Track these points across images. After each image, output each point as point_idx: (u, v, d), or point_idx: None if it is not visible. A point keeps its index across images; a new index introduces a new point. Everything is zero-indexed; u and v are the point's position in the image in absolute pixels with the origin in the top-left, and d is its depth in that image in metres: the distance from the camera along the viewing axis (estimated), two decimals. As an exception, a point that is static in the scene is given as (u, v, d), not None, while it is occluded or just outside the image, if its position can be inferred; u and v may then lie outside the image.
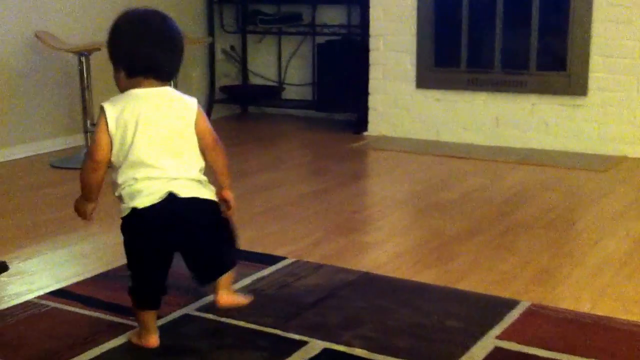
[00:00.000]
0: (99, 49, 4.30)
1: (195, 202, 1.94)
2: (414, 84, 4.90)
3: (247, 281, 2.48)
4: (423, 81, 4.86)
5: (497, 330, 2.12)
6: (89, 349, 2.00)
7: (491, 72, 4.67)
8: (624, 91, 4.37)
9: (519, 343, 2.04)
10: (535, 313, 2.24)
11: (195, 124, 1.99)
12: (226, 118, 5.81)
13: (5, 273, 2.43)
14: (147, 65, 1.95)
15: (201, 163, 2.02)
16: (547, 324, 2.17)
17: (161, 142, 1.92)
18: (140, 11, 2.02)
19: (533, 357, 1.97)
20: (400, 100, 4.95)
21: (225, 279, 2.04)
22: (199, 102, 2.11)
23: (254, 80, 6.00)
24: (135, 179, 1.91)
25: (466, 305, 2.30)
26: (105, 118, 1.92)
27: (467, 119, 4.77)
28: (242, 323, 2.15)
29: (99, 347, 2.01)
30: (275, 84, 5.89)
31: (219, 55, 5.83)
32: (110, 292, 2.39)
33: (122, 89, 1.99)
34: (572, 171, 4.10)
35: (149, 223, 1.90)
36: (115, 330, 2.11)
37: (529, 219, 3.22)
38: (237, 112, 6.01)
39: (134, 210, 1.90)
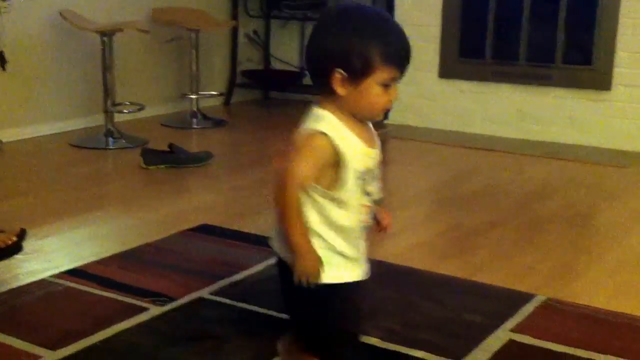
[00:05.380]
0: (121, 30, 4.31)
1: None
2: (437, 74, 4.86)
3: (261, 266, 2.47)
4: (447, 72, 4.82)
5: (513, 323, 2.10)
6: (103, 329, 2.00)
7: (516, 65, 4.62)
8: (649, 87, 4.31)
9: (533, 337, 2.02)
10: (551, 307, 2.22)
11: None
12: (247, 102, 5.81)
13: (21, 251, 2.44)
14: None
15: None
16: (562, 319, 2.15)
17: None
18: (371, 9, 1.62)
19: (547, 351, 1.95)
20: (423, 90, 4.91)
21: None
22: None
23: (276, 66, 5.98)
24: None
25: (483, 297, 2.29)
26: None
27: (490, 111, 4.73)
28: (257, 309, 2.15)
29: (113, 327, 2.01)
30: (297, 69, 5.87)
31: (241, 40, 5.81)
32: (126, 273, 2.40)
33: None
34: (595, 166, 4.05)
35: None
36: (130, 311, 2.11)
37: (549, 214, 3.19)
38: (259, 97, 6.00)
39: None
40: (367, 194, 1.59)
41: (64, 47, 4.51)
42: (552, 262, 2.62)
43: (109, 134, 4.30)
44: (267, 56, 5.97)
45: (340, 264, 1.59)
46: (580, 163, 4.11)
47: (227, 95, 5.67)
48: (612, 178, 3.84)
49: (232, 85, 5.70)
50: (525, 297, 2.27)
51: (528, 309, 2.20)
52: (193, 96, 4.98)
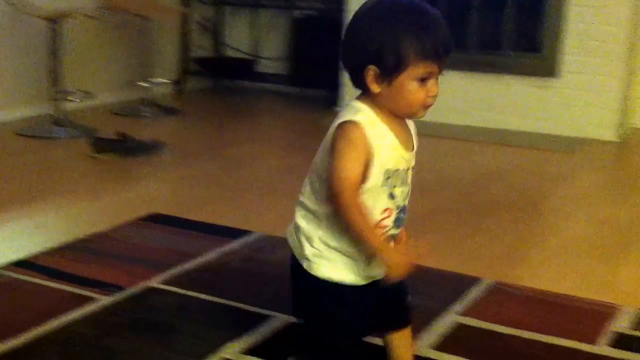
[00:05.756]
0: (70, 16, 4.25)
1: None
2: (388, 61, 4.88)
3: (212, 255, 2.47)
4: (397, 59, 4.85)
5: (460, 307, 2.14)
6: (51, 320, 1.98)
7: (466, 53, 4.67)
8: (595, 74, 4.40)
9: (480, 320, 2.06)
10: (498, 291, 2.26)
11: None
12: (199, 90, 5.77)
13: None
14: None
15: (308, 199, 1.57)
16: (509, 302, 2.19)
17: None
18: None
19: (494, 334, 1.99)
20: (374, 77, 4.93)
21: None
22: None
23: (229, 53, 5.95)
24: None
25: (431, 282, 2.31)
26: None
27: (439, 98, 4.70)
28: (208, 297, 2.15)
29: (61, 318, 1.99)
30: (249, 57, 5.85)
31: (193, 26, 5.77)
32: (74, 263, 2.37)
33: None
34: (542, 152, 4.13)
35: None
36: (78, 301, 2.09)
37: (496, 199, 3.24)
38: (211, 85, 5.97)
39: None
40: (392, 196, 1.52)
41: (10, 33, 4.42)
42: (499, 246, 2.67)
43: (57, 122, 4.24)
44: (219, 44, 5.94)
45: (337, 261, 1.53)
46: (527, 149, 4.18)
47: (179, 83, 5.62)
48: (558, 164, 3.92)
49: (183, 73, 5.66)
50: (473, 281, 2.31)
51: (475, 292, 2.24)
52: (144, 84, 4.94)
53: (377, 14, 1.46)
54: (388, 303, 1.65)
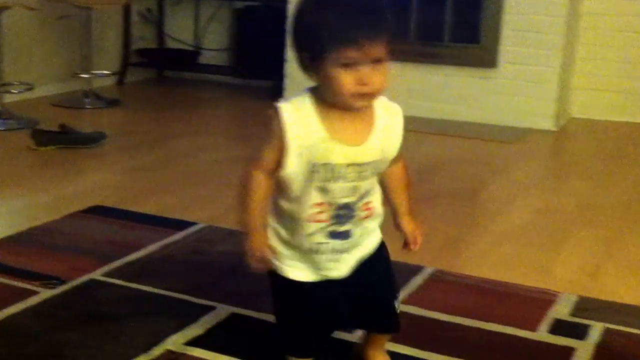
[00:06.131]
0: (8, 7, 4.16)
1: None
2: (331, 52, 4.90)
3: (155, 247, 2.46)
4: (341, 50, 4.87)
5: (402, 295, 2.15)
6: (-8, 314, 1.96)
7: (406, 44, 4.71)
8: (534, 65, 4.50)
9: (422, 308, 2.09)
10: (439, 279, 2.30)
11: None
12: (141, 82, 5.71)
13: None
14: None
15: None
16: (450, 290, 2.23)
17: None
18: None
19: (436, 322, 2.03)
20: (317, 68, 4.94)
21: None
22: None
23: (171, 44, 5.90)
24: None
25: (373, 271, 2.34)
26: None
27: (382, 89, 4.79)
28: (151, 289, 2.14)
29: (4, 311, 1.96)
30: (192, 48, 5.81)
31: (135, 17, 5.70)
32: (14, 256, 2.34)
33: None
34: (482, 142, 4.20)
35: None
36: (19, 295, 2.06)
37: (438, 189, 3.30)
38: (153, 76, 5.91)
39: None
40: (324, 190, 1.47)
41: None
42: (441, 235, 2.71)
43: (-4, 114, 4.16)
44: (161, 35, 5.88)
45: (285, 256, 1.56)
46: (467, 139, 4.25)
47: (121, 74, 5.56)
48: (498, 153, 4.00)
49: (125, 64, 5.59)
50: (414, 270, 2.34)
51: (417, 281, 2.27)
52: (85, 75, 4.87)
53: (309, 2, 1.44)
54: (367, 304, 1.64)
